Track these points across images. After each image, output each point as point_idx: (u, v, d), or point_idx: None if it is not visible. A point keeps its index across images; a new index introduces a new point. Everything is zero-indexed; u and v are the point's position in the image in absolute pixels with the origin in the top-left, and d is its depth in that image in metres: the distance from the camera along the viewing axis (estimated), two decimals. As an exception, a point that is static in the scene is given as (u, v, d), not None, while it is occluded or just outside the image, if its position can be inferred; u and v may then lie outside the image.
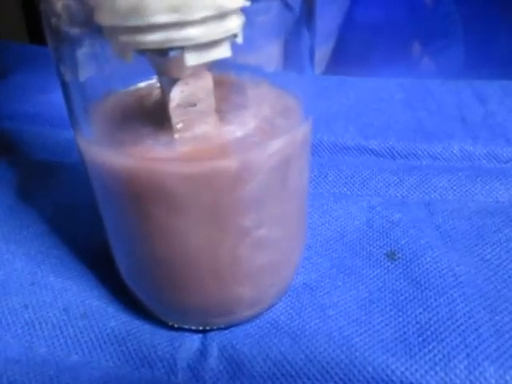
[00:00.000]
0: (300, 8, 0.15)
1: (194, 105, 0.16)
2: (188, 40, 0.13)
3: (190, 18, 0.13)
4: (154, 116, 0.17)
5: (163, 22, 0.13)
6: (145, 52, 0.14)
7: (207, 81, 0.16)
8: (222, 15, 0.13)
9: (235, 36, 0.14)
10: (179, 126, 0.15)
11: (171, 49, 0.13)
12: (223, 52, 0.14)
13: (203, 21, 0.13)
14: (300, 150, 0.18)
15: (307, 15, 0.15)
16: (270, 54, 0.16)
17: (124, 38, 0.13)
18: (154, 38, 0.13)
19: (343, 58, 0.46)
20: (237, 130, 0.16)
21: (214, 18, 0.13)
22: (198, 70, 0.15)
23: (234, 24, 0.14)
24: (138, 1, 0.12)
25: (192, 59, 0.14)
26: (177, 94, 0.15)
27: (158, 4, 0.12)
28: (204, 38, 0.13)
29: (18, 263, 0.23)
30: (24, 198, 0.28)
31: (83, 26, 0.14)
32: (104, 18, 0.13)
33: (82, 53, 0.15)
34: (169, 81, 0.15)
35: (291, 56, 0.17)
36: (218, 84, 0.16)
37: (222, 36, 0.14)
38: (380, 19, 0.46)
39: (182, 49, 0.13)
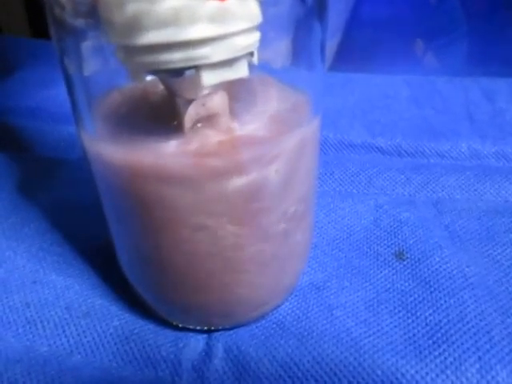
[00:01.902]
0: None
1: (210, 126, 0.15)
2: (204, 58, 0.13)
3: (232, 29, 0.12)
4: (159, 112, 0.16)
5: (187, 39, 0.12)
6: (158, 72, 0.14)
7: (224, 100, 0.15)
8: (238, 32, 0.13)
9: (252, 55, 0.14)
10: (191, 132, 0.15)
11: (186, 68, 0.13)
12: (241, 71, 0.14)
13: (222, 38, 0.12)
14: (309, 148, 0.17)
15: (319, 7, 0.15)
16: (281, 49, 0.16)
17: (137, 59, 0.13)
18: (168, 58, 0.13)
19: (349, 55, 0.45)
20: (246, 126, 0.15)
21: (231, 34, 0.13)
22: (214, 90, 0.15)
23: (251, 41, 0.13)
24: (180, 6, 0.12)
25: (208, 79, 0.13)
26: (192, 116, 0.15)
27: (200, 12, 0.12)
28: (221, 55, 0.13)
29: (19, 260, 0.23)
30: (25, 195, 0.27)
31: (88, 17, 0.14)
32: (117, 37, 0.13)
33: (86, 45, 0.15)
34: (183, 102, 0.15)
35: (302, 51, 0.16)
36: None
37: (240, 54, 0.13)
38: (386, 16, 0.46)
39: (198, 68, 0.13)
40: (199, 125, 0.15)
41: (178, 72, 0.13)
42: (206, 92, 0.14)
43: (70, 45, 0.15)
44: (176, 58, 0.13)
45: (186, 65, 0.13)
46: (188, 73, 0.13)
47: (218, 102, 0.15)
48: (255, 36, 0.14)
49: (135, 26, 0.12)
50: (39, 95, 0.37)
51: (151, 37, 0.12)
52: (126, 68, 0.14)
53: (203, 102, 0.15)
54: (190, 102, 0.14)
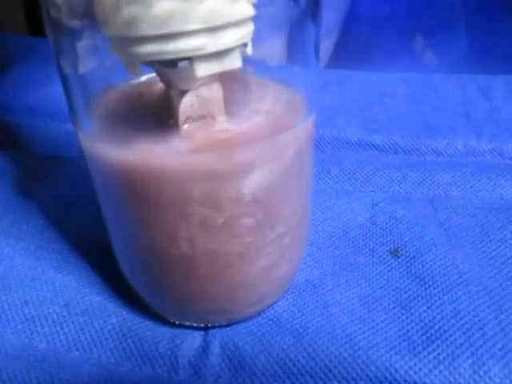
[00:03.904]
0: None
1: (204, 117, 0.15)
2: (197, 49, 0.13)
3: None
4: (155, 110, 0.16)
5: (180, 31, 0.12)
6: (153, 64, 0.14)
7: (218, 92, 0.15)
8: (232, 23, 0.13)
9: (245, 45, 0.14)
10: (187, 129, 0.15)
11: (180, 59, 0.13)
12: (234, 62, 0.14)
13: (215, 29, 0.13)
14: (304, 145, 0.17)
15: (313, 7, 0.15)
16: (275, 48, 0.16)
17: (132, 50, 0.13)
18: (162, 49, 0.13)
19: (346, 52, 0.45)
20: (241, 125, 0.16)
21: (224, 26, 0.13)
22: (208, 82, 0.15)
23: (245, 32, 0.13)
24: (175, 9, 0.12)
25: (202, 70, 0.13)
26: (186, 107, 0.15)
27: (194, 15, 0.12)
28: (214, 47, 0.13)
29: (17, 258, 0.23)
30: (23, 193, 0.28)
31: (83, 17, 0.14)
32: (112, 29, 0.13)
33: (82, 45, 0.15)
34: (178, 92, 0.15)
35: (296, 49, 0.16)
36: (222, 78, 0.16)
37: (233, 45, 0.13)
38: (383, 13, 0.46)
39: (191, 59, 0.13)
40: (195, 123, 0.15)
41: (172, 63, 0.13)
42: (200, 83, 0.14)
43: (66, 45, 0.15)
44: (170, 49, 0.13)
45: (180, 56, 0.13)
46: (182, 64, 0.13)
47: (212, 93, 0.15)
48: (249, 27, 0.14)
49: (131, 26, 0.12)
50: (37, 93, 0.37)
51: (145, 29, 0.12)
52: (121, 60, 0.14)
53: (197, 93, 0.15)
54: (184, 92, 0.15)
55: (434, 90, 0.36)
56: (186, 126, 0.15)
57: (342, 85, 0.37)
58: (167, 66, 0.13)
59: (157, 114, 0.16)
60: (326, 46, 0.44)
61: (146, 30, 0.12)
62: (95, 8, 0.13)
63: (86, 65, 0.15)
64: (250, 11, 0.13)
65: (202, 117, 0.15)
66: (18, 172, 0.30)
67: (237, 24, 0.13)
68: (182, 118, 0.15)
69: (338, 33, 0.45)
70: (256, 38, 0.14)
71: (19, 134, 0.34)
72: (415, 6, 0.45)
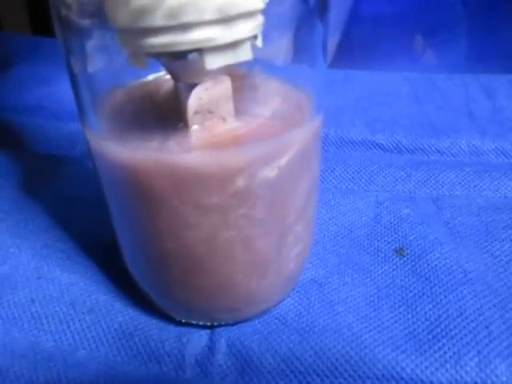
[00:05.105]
0: (314, -1, 0.15)
1: (213, 112, 0.15)
2: (208, 41, 0.13)
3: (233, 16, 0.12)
4: (163, 109, 0.16)
5: (192, 21, 0.12)
6: (160, 56, 0.13)
7: (226, 86, 0.15)
8: (244, 15, 0.13)
9: (255, 38, 0.14)
10: (195, 128, 0.15)
11: (189, 51, 0.13)
12: (244, 54, 0.13)
13: (226, 20, 0.12)
14: (311, 144, 0.17)
15: (321, 6, 0.15)
16: (282, 47, 0.16)
17: (138, 41, 0.13)
18: (171, 40, 0.12)
19: (349, 52, 0.45)
20: (249, 124, 0.16)
21: (236, 17, 0.13)
22: (216, 75, 0.15)
23: (255, 24, 0.13)
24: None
25: (212, 62, 0.13)
26: (195, 101, 0.15)
27: (206, 6, 0.12)
28: (226, 38, 0.13)
29: (23, 257, 0.23)
30: (28, 192, 0.28)
31: (93, 16, 0.14)
32: (119, 20, 0.13)
33: (91, 44, 0.15)
34: (186, 86, 0.14)
35: (303, 49, 0.16)
36: (230, 76, 0.16)
37: (244, 36, 0.13)
38: (386, 12, 0.46)
39: (202, 51, 0.13)
40: (203, 122, 0.15)
41: (181, 55, 0.13)
42: (209, 76, 0.14)
43: (75, 44, 0.15)
44: (179, 40, 0.12)
45: (189, 48, 0.13)
46: (191, 56, 0.13)
47: (221, 87, 0.15)
48: (259, 19, 0.13)
49: (141, 16, 0.12)
50: (39, 92, 0.37)
51: (158, 20, 0.12)
52: (126, 52, 0.14)
53: (206, 87, 0.14)
54: (192, 86, 0.14)
55: (436, 89, 0.36)
56: (194, 126, 0.15)
57: (346, 84, 0.37)
58: (176, 59, 0.13)
59: (165, 113, 0.16)
60: (329, 45, 0.44)
61: (159, 20, 0.12)
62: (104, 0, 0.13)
63: (96, 64, 0.15)
64: (260, 3, 0.13)
65: (211, 112, 0.15)
66: (21, 171, 0.30)
67: (248, 15, 0.13)
68: (190, 111, 0.15)
69: (340, 32, 0.45)
70: (264, 37, 0.14)
71: (22, 133, 0.34)
72: (418, 6, 0.45)
